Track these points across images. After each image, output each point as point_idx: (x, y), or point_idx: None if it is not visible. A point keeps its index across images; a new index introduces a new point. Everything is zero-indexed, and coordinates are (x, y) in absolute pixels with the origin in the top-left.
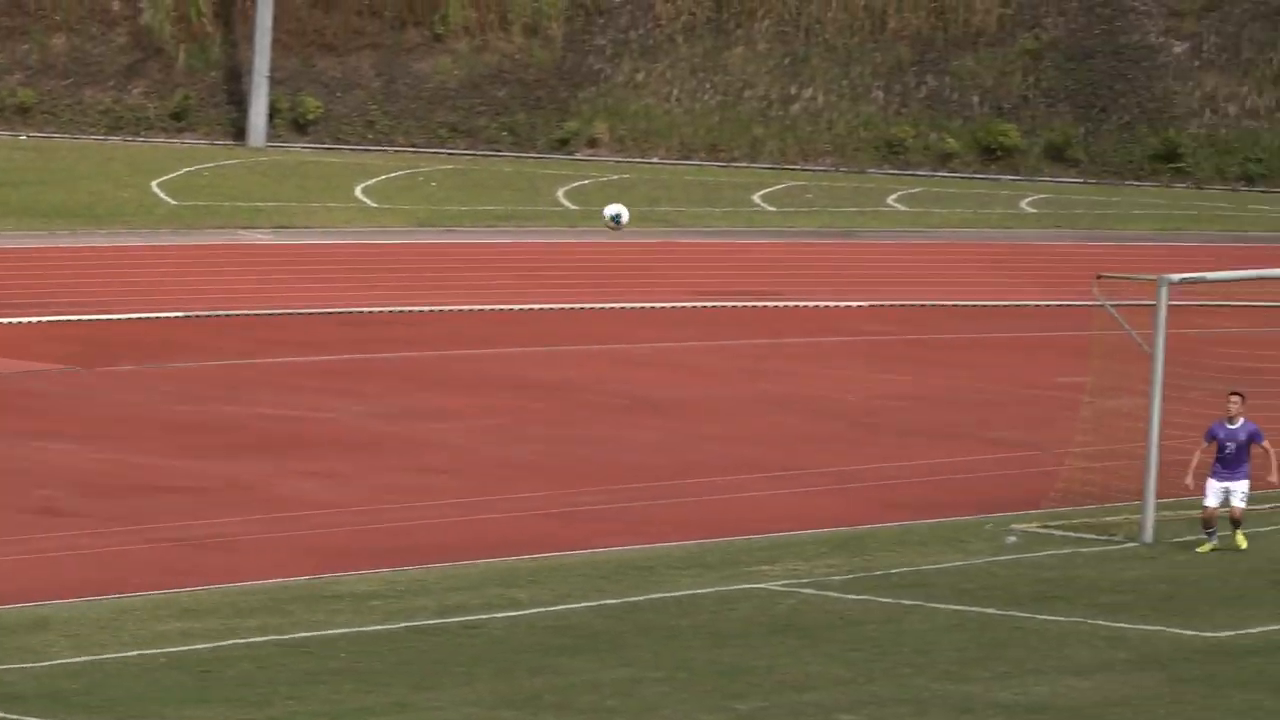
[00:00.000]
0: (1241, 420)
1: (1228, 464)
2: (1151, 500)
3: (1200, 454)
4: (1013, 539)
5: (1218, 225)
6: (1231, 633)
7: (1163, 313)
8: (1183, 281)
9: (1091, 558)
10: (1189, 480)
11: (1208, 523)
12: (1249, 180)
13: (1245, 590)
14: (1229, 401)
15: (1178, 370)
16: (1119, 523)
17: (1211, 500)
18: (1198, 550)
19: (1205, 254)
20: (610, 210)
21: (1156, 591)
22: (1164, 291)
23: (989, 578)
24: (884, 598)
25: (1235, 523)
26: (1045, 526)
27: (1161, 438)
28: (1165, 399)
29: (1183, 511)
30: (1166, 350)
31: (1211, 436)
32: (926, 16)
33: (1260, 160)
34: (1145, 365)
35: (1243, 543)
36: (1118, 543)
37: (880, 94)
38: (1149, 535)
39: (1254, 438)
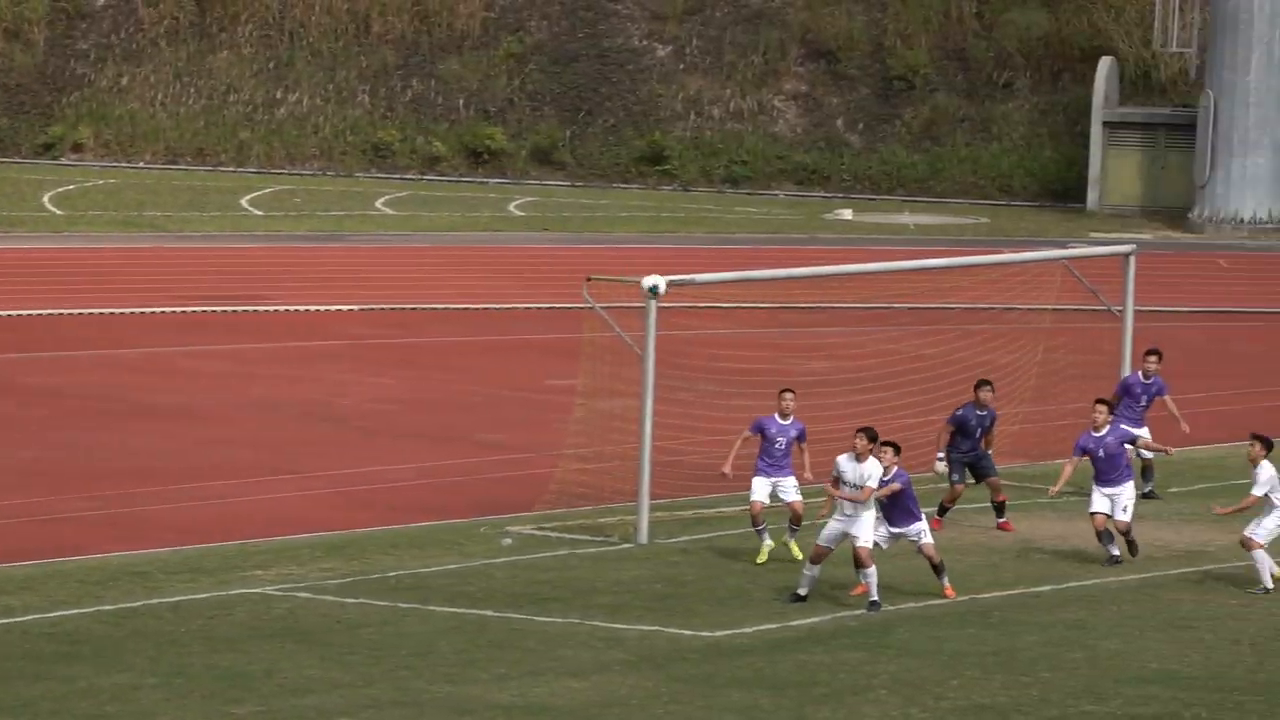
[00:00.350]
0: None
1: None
2: (645, 501)
3: (740, 443)
4: (508, 541)
5: (704, 227)
6: (727, 632)
7: (652, 315)
8: (672, 283)
9: (587, 559)
10: (727, 469)
11: (756, 520)
12: (733, 182)
13: (739, 590)
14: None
15: (668, 371)
16: (614, 524)
17: (760, 495)
18: (757, 561)
19: (693, 256)
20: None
21: (652, 592)
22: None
23: (486, 580)
24: (381, 601)
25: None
26: (540, 528)
27: (654, 439)
28: (656, 400)
29: (676, 512)
30: (656, 352)
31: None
32: (410, 20)
33: (745, 162)
34: (636, 367)
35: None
36: (613, 544)
37: (366, 97)
38: (644, 536)
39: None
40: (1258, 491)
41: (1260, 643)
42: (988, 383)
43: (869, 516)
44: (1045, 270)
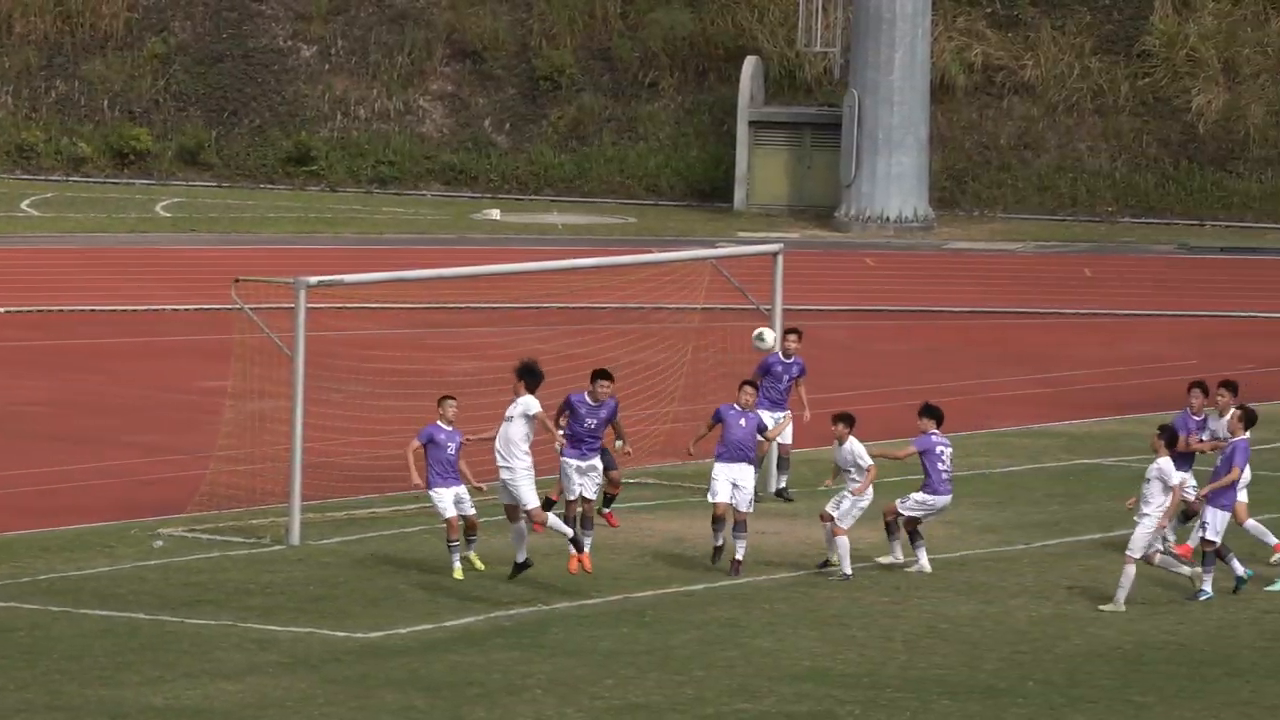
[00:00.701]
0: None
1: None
2: (297, 503)
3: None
4: (160, 543)
5: (352, 227)
6: (381, 633)
7: (301, 315)
8: (320, 284)
9: (239, 560)
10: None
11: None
12: (381, 182)
13: (392, 591)
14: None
15: (319, 373)
16: (266, 525)
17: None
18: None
19: (341, 256)
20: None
21: (305, 593)
22: (302, 294)
23: (138, 582)
24: (31, 604)
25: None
26: (192, 530)
27: (305, 440)
28: (307, 401)
29: (328, 514)
30: (307, 353)
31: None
32: (53, 20)
33: (392, 163)
34: (286, 368)
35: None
36: (265, 545)
37: (9, 98)
38: (295, 538)
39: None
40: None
41: (912, 639)
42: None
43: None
44: (694, 270)
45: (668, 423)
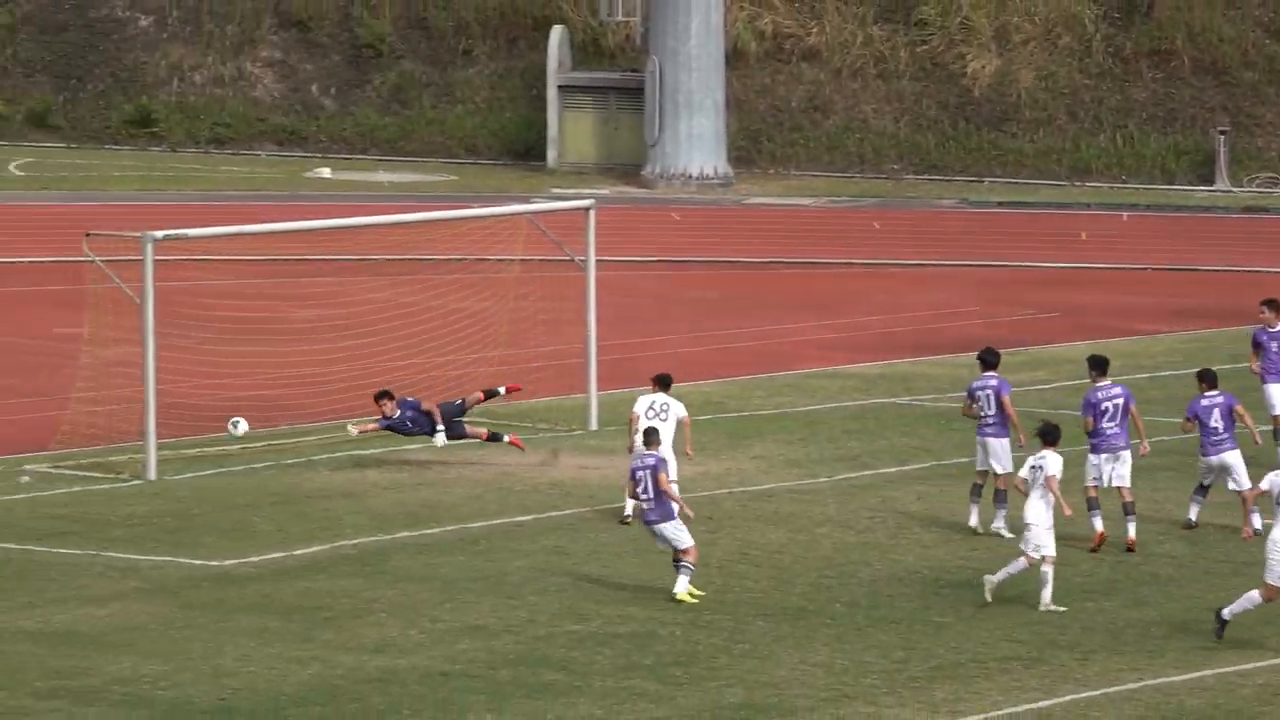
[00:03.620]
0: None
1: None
2: (153, 440)
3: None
4: (26, 479)
5: (193, 185)
6: (235, 561)
7: (149, 267)
8: (166, 238)
9: (100, 495)
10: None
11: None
12: (219, 143)
13: (244, 522)
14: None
15: (167, 320)
16: (124, 462)
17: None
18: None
19: (184, 212)
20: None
21: (163, 525)
22: (149, 247)
23: (6, 515)
24: None
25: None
26: (55, 467)
27: (157, 382)
28: (158, 347)
29: (181, 450)
30: (156, 302)
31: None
32: None
33: (228, 125)
34: (137, 316)
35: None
36: (124, 481)
37: None
38: (152, 473)
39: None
40: None
41: (726, 565)
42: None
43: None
44: (512, 224)
45: (493, 366)
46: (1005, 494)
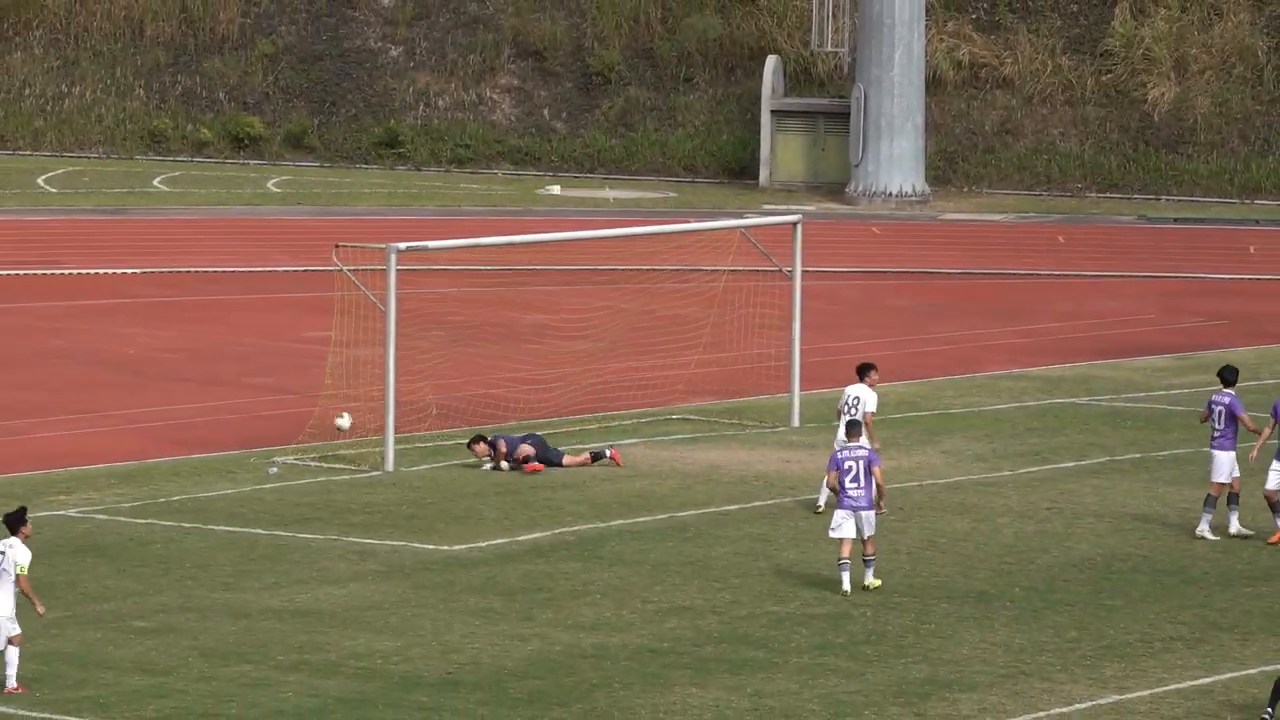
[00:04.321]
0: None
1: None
2: (391, 435)
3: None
4: (274, 470)
5: (435, 201)
6: (464, 546)
7: (393, 275)
8: (408, 249)
9: (342, 484)
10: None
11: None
12: (459, 163)
13: (473, 510)
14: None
15: (407, 324)
16: (364, 454)
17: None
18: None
19: (426, 225)
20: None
21: (399, 513)
22: (393, 258)
23: (256, 503)
24: (167, 521)
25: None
26: (301, 459)
27: (396, 381)
28: (399, 349)
29: (416, 444)
30: (398, 308)
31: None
32: (178, 24)
33: (468, 146)
34: (381, 321)
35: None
36: (364, 472)
37: (142, 91)
38: (390, 465)
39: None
40: None
41: (915, 552)
42: None
43: None
44: (725, 237)
45: (699, 368)
46: (1237, 495)
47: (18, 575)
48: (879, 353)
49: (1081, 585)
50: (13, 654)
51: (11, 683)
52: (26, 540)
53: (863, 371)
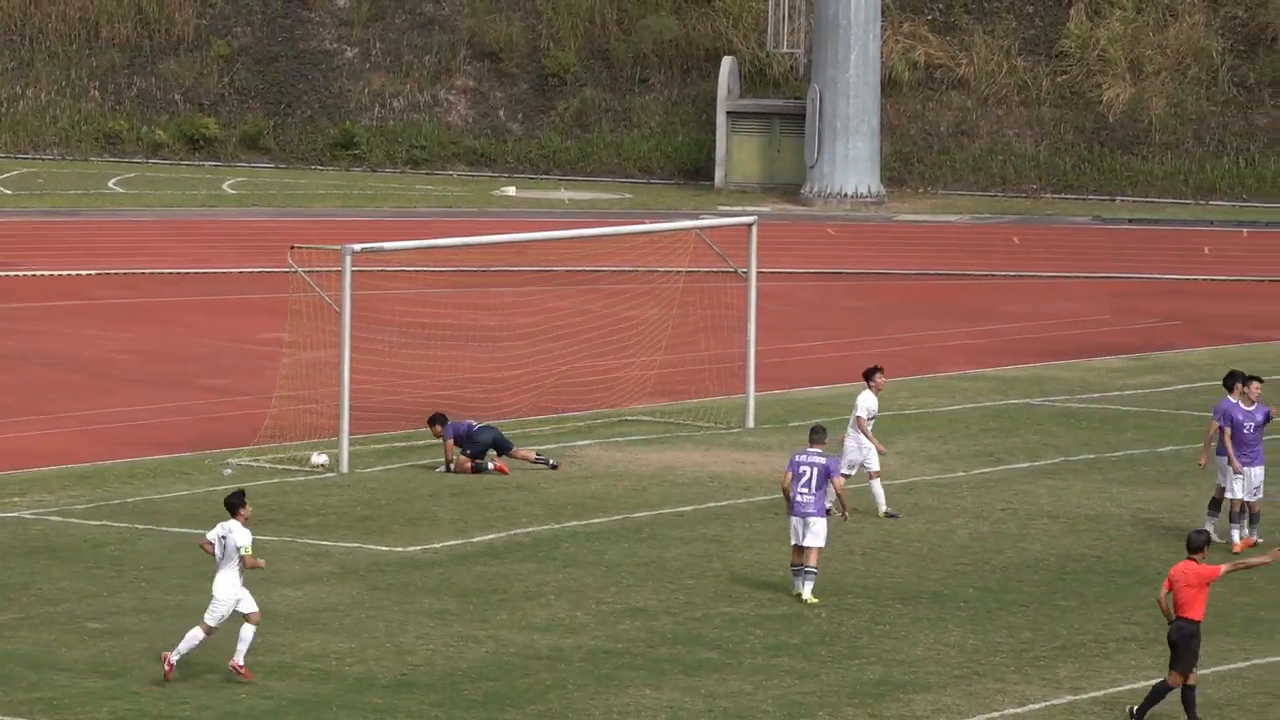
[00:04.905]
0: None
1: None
2: (345, 436)
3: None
4: (229, 471)
5: (390, 202)
6: (418, 547)
7: (348, 277)
8: (363, 250)
9: (297, 486)
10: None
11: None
12: (414, 164)
13: (427, 512)
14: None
15: (362, 326)
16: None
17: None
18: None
19: (380, 227)
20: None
21: (353, 514)
22: (348, 259)
23: (211, 504)
24: (120, 523)
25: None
26: (256, 460)
27: (352, 383)
28: (353, 350)
29: (372, 445)
30: (353, 309)
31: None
32: (134, 26)
33: (423, 147)
34: (335, 322)
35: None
36: (319, 473)
37: (97, 93)
38: (344, 466)
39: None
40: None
41: (869, 553)
42: None
43: None
44: (681, 238)
45: (654, 369)
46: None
47: (242, 556)
48: (834, 354)
49: (1036, 586)
50: (247, 631)
51: (240, 659)
52: (246, 522)
53: (868, 375)
